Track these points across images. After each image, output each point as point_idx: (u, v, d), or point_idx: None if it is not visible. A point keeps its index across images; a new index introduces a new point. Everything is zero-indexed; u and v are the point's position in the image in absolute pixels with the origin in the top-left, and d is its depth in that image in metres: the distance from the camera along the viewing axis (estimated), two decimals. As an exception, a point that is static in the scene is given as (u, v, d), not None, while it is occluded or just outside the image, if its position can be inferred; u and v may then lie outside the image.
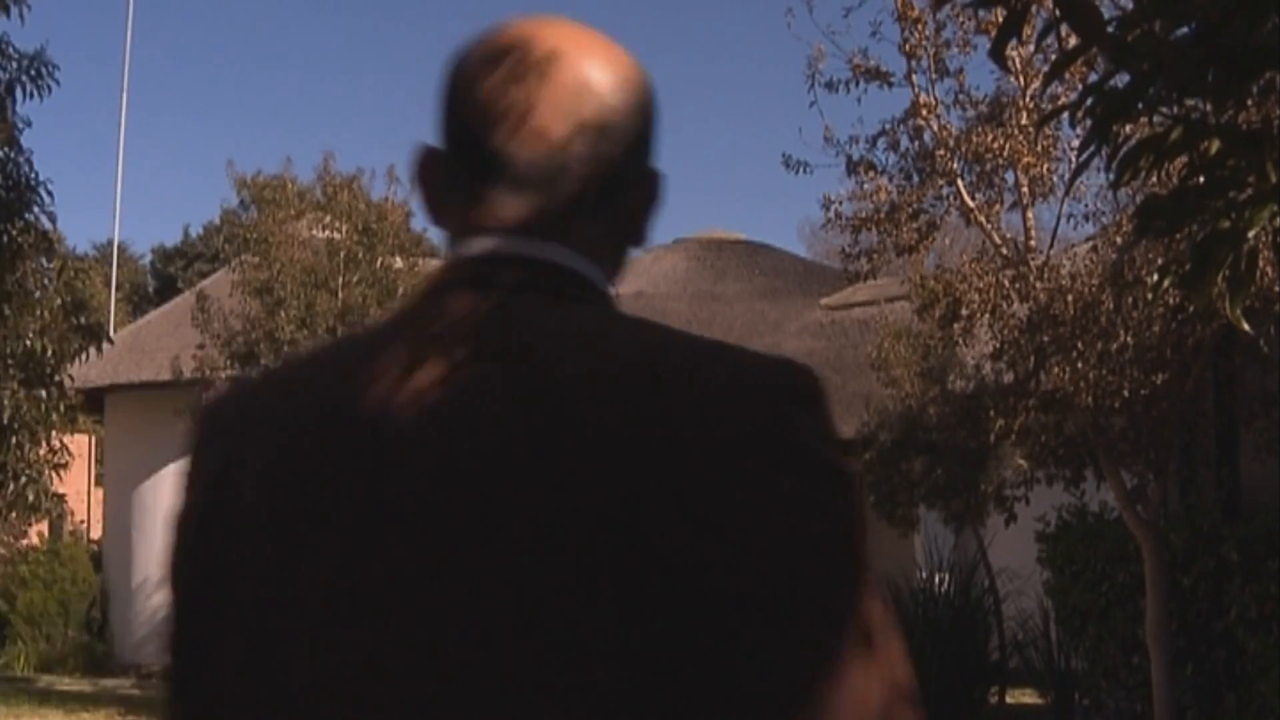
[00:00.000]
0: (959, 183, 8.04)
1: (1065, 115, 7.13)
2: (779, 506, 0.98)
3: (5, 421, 8.56)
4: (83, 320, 9.24)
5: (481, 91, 1.12)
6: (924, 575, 11.38)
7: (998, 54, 4.72)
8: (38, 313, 8.82)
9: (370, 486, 1.03)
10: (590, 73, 1.13)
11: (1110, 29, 1.58)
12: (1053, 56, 6.92)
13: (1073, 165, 7.79)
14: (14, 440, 8.70)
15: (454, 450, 1.01)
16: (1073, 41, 2.50)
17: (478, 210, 1.11)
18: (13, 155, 8.68)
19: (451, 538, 1.00)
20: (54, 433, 9.37)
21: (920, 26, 8.04)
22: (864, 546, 1.01)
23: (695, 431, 0.98)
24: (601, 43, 1.17)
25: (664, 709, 0.96)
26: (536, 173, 1.10)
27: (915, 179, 8.25)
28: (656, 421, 0.98)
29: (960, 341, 8.50)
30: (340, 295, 11.46)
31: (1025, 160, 7.83)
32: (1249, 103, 1.80)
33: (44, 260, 9.22)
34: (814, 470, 1.00)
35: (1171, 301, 7.11)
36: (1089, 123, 1.64)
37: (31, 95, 8.65)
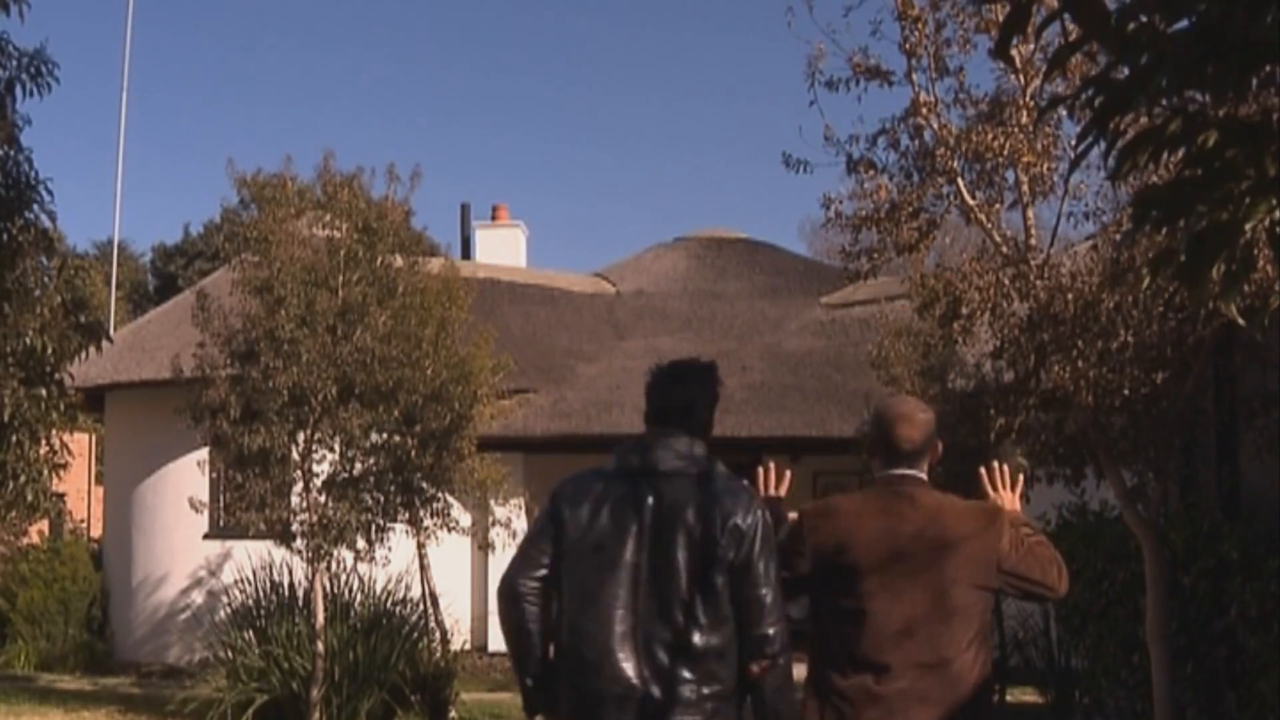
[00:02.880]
0: (959, 181, 8.03)
1: (1066, 113, 7.12)
2: None
3: (5, 420, 8.54)
4: (83, 319, 9.19)
5: (896, 428, 4.09)
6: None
7: (1003, 51, 4.70)
8: (38, 311, 8.77)
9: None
10: (923, 417, 4.15)
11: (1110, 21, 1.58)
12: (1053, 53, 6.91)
13: (1072, 162, 7.76)
14: (14, 439, 8.67)
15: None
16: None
17: (890, 462, 4.12)
18: (12, 154, 8.65)
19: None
20: (54, 432, 9.34)
21: (920, 25, 8.02)
22: None
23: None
24: (918, 402, 4.43)
25: None
26: (911, 451, 4.09)
27: (915, 178, 8.23)
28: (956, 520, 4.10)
29: (960, 340, 8.48)
30: (340, 293, 11.45)
31: (1025, 159, 7.81)
32: (1249, 96, 1.80)
33: (44, 259, 9.17)
34: None
35: (1169, 297, 7.09)
36: (1089, 114, 1.64)
37: (31, 93, 8.61)
